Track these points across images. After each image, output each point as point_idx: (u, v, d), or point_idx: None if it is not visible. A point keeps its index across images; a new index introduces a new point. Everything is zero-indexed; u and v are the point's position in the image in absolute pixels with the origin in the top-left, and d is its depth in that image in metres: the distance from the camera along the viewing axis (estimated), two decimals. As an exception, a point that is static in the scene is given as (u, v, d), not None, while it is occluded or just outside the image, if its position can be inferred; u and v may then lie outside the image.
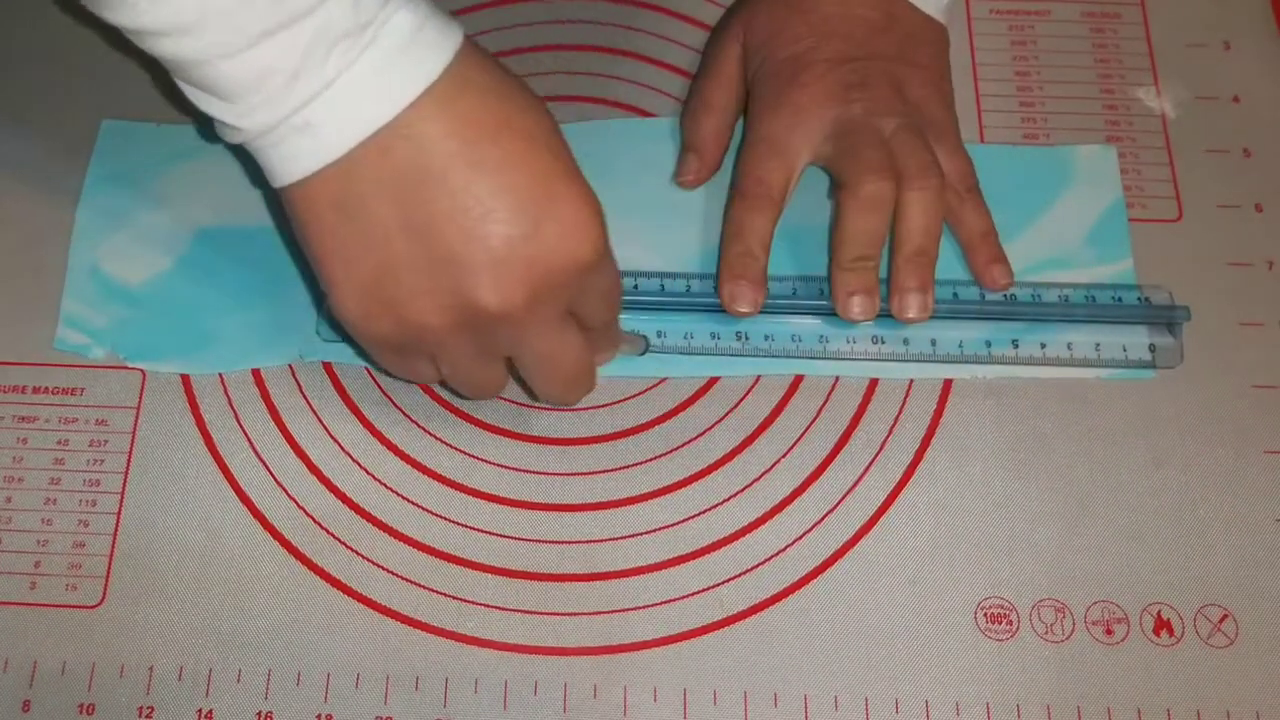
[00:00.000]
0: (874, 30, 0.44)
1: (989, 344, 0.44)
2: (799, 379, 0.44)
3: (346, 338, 0.39)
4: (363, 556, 0.42)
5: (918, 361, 0.44)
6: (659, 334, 0.44)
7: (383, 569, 0.42)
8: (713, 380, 0.44)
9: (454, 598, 0.41)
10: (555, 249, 0.34)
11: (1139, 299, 0.44)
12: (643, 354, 0.44)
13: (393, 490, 0.43)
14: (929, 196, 0.42)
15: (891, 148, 0.42)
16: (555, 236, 0.34)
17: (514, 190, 0.33)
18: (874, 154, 0.42)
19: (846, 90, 0.43)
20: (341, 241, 0.34)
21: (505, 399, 0.44)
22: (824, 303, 0.43)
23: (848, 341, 0.44)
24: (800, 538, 0.42)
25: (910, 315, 0.42)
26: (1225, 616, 0.41)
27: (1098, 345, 0.43)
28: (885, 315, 0.43)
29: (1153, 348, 0.43)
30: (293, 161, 0.34)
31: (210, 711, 0.40)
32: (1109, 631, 0.41)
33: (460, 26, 0.34)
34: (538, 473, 0.43)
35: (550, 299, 0.35)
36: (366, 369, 0.44)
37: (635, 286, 0.44)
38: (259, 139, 0.34)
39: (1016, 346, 0.43)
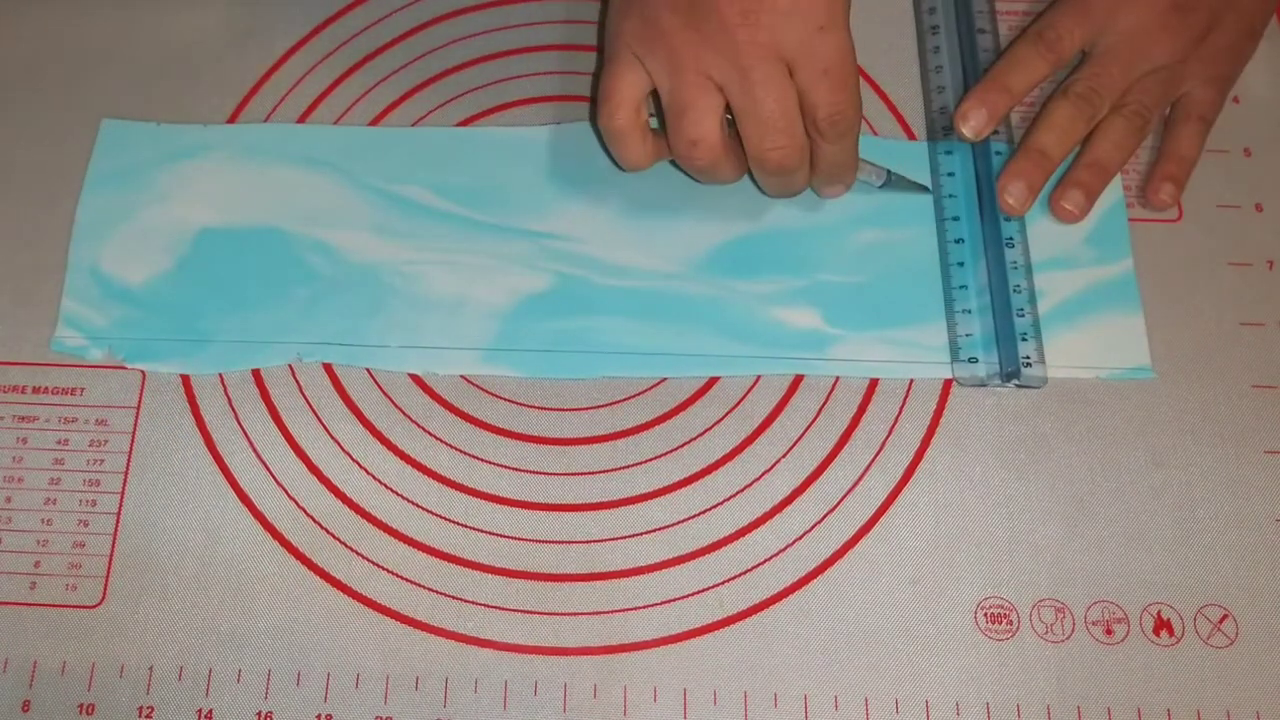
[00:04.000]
0: None
1: None
2: (799, 379, 0.44)
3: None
4: (363, 556, 0.42)
5: None
6: None
7: (383, 569, 0.42)
8: (713, 380, 0.44)
9: (454, 598, 0.41)
10: None
11: None
12: (882, 187, 0.45)
13: (393, 490, 0.43)
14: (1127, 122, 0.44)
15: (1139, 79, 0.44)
16: None
17: None
18: (1108, 71, 0.44)
19: (1174, 9, 0.44)
20: None
21: (504, 398, 0.44)
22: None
23: None
24: (800, 538, 0.42)
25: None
26: (1225, 616, 0.41)
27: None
28: None
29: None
30: None
31: (210, 711, 0.40)
32: (1109, 631, 0.41)
33: None
34: (538, 473, 0.43)
35: (769, 27, 0.38)
36: (367, 370, 0.44)
37: None
38: None
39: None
